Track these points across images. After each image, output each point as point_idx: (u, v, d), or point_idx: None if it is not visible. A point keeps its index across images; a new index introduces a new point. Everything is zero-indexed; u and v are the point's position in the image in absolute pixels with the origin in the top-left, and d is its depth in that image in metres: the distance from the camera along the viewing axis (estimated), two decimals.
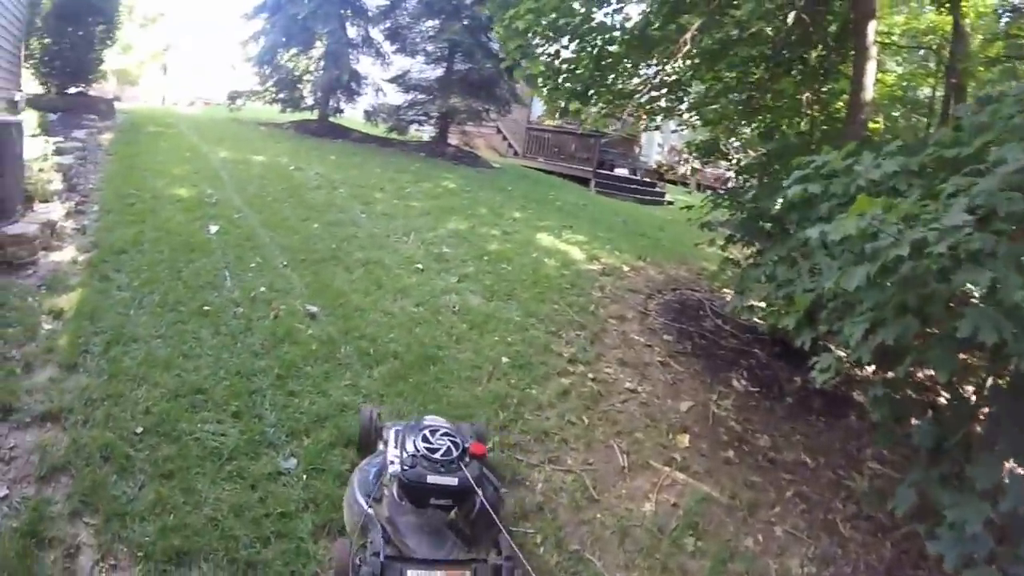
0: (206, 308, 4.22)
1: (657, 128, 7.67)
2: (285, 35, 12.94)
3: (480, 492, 1.84)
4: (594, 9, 4.82)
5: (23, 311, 3.72)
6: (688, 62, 4.94)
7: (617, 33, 4.82)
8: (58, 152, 7.03)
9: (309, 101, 14.22)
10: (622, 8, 4.99)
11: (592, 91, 5.39)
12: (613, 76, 5.27)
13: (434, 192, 9.13)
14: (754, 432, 4.01)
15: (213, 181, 7.53)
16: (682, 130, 6.94)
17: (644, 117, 6.36)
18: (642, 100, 5.66)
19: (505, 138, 17.40)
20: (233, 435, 2.91)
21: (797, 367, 4.46)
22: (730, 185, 5.36)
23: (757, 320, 5.17)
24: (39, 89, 10.33)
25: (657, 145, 19.09)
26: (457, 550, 1.88)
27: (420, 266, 5.71)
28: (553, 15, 4.53)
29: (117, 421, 2.89)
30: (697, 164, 7.57)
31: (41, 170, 6.02)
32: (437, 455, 1.90)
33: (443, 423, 2.09)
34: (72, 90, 10.69)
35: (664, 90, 5.74)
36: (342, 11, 13.18)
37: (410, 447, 1.92)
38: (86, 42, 10.32)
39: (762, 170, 4.82)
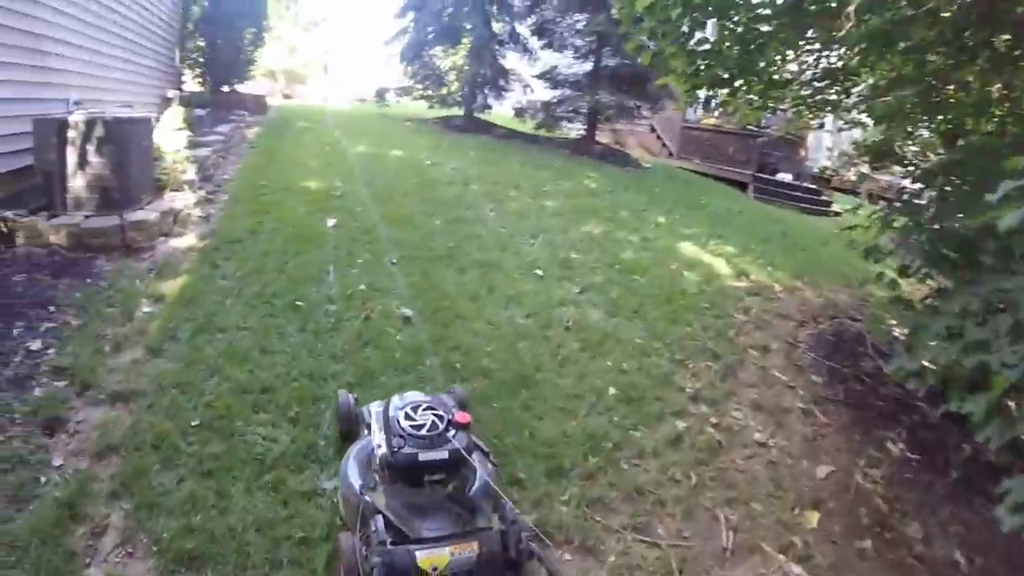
0: (299, 303, 4.49)
1: (822, 127, 6.91)
2: (431, 32, 13.97)
3: (474, 461, 2.06)
4: None
5: (128, 293, 4.25)
6: (855, 48, 4.27)
7: (766, 11, 4.32)
8: (195, 145, 8.26)
9: (456, 96, 15.22)
10: None
11: (740, 79, 4.91)
12: (764, 62, 4.74)
13: (573, 191, 9.11)
14: (903, 515, 3.35)
15: (345, 174, 8.23)
16: (849, 129, 6.13)
17: (806, 112, 5.74)
18: (802, 92, 5.10)
19: (659, 137, 17.45)
20: (283, 442, 2.98)
21: (971, 430, 3.58)
22: (906, 196, 4.47)
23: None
24: (196, 87, 12.33)
25: (826, 148, 17.65)
26: (461, 522, 2.05)
27: (540, 272, 5.64)
28: None
29: (179, 410, 3.14)
30: (866, 169, 6.60)
31: (176, 162, 7.10)
32: (423, 431, 2.05)
33: (422, 397, 2.21)
34: (225, 88, 12.61)
35: (827, 80, 5.11)
36: (487, 7, 13.85)
37: (395, 427, 2.08)
38: (235, 45, 12.01)
39: (944, 178, 3.95)
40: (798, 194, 14.20)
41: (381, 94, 14.70)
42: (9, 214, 4.74)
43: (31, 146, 5.27)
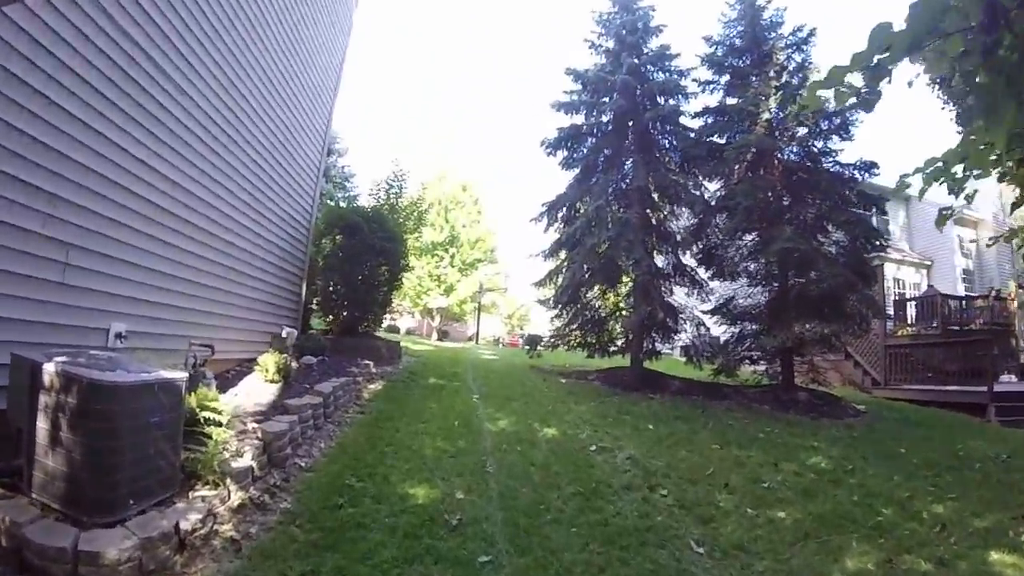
0: None
1: None
2: (587, 271, 11.96)
3: None
4: None
5: None
6: None
7: None
8: (275, 410, 6.09)
9: (619, 342, 13.04)
10: None
11: None
12: None
13: (802, 482, 6.00)
14: None
15: (473, 475, 5.45)
16: None
17: None
18: None
19: (857, 364, 14.95)
20: None
21: None
22: None
23: None
24: (323, 326, 10.85)
25: None
26: None
27: None
28: None
29: None
30: None
31: (225, 441, 4.81)
32: None
33: None
34: (359, 329, 11.04)
35: None
36: (645, 238, 11.92)
37: None
38: (369, 283, 10.61)
39: None
40: None
41: (533, 343, 12.65)
42: None
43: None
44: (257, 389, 6.93)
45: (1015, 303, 16.99)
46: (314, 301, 10.96)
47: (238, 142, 7.37)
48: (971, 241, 22.98)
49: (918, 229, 23.21)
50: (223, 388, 6.74)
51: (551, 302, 12.27)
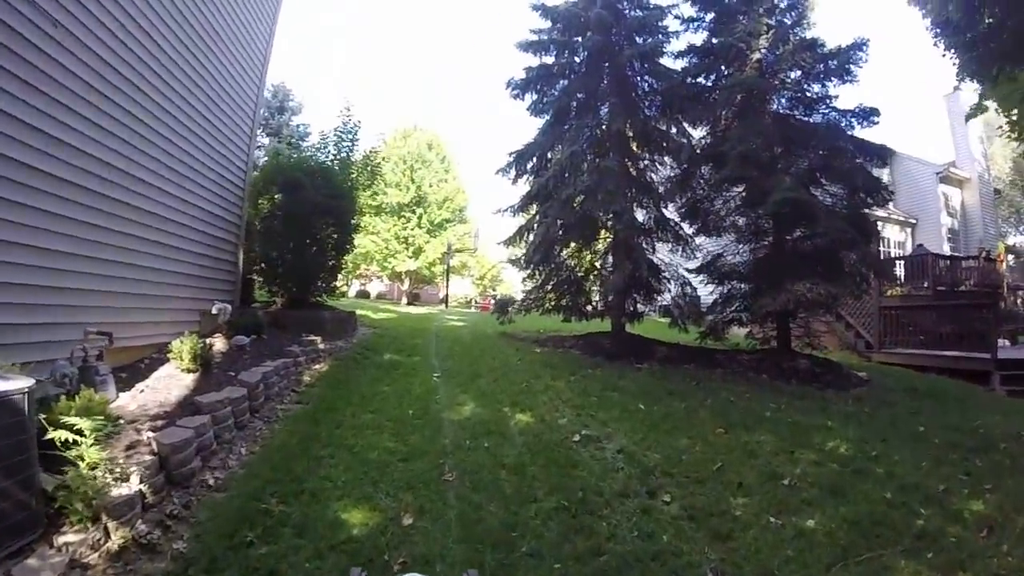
0: None
1: None
2: (560, 226, 10.82)
3: None
4: None
5: None
6: None
7: None
8: (182, 409, 4.88)
9: (597, 304, 12.01)
10: None
11: None
12: None
13: (825, 474, 5.08)
14: None
15: (427, 488, 4.30)
16: None
17: None
18: None
19: (850, 326, 14.29)
20: None
21: None
22: None
23: None
24: (270, 298, 9.56)
25: None
26: None
27: None
28: None
29: None
30: None
31: (97, 465, 3.60)
32: None
33: None
34: (308, 300, 9.76)
35: None
36: (626, 189, 10.73)
37: None
38: (315, 247, 9.38)
39: None
40: None
41: (503, 308, 11.46)
42: None
43: None
44: (168, 382, 5.70)
45: (1003, 265, 16.39)
46: (253, 270, 9.63)
47: (142, 87, 6.00)
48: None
49: (903, 186, 22.44)
50: (130, 383, 5.52)
51: (522, 262, 11.07)
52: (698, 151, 10.99)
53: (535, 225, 11.28)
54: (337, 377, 7.18)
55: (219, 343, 7.52)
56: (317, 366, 7.67)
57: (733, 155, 9.34)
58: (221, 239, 8.58)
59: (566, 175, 10.10)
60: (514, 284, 44.70)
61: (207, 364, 6.09)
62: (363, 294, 47.82)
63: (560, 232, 10.67)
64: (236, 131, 8.72)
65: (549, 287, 11.49)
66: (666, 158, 11.91)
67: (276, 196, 9.12)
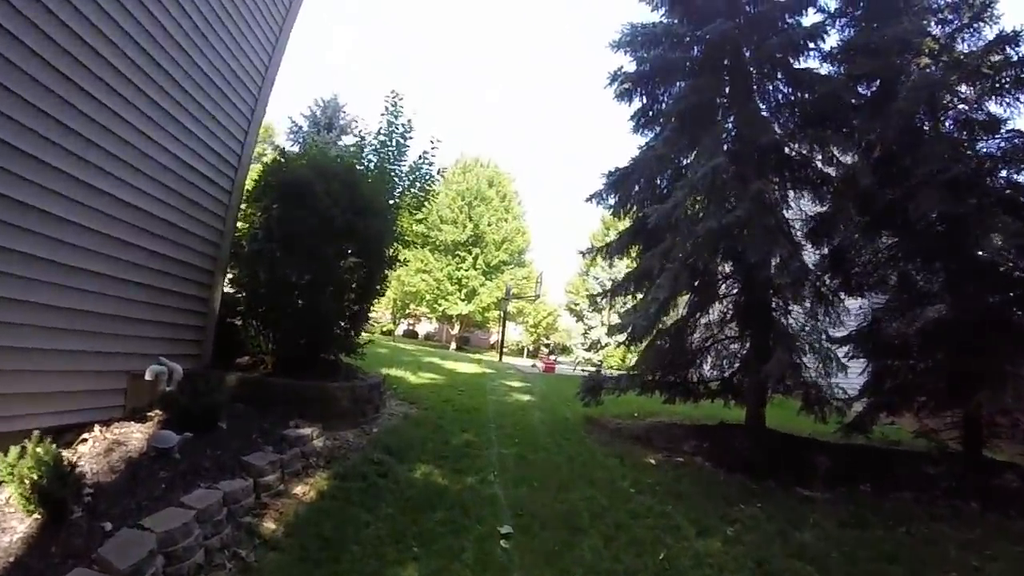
0: None
1: None
2: (668, 282, 7.47)
3: None
4: None
5: None
6: None
7: None
8: None
9: (712, 385, 8.55)
10: None
11: None
12: None
13: None
14: None
15: None
16: None
17: None
18: None
19: None
20: None
21: None
22: None
23: None
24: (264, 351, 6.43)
25: None
26: None
27: None
28: None
29: None
30: None
31: None
32: None
33: None
34: (315, 358, 6.56)
35: None
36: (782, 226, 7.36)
37: None
38: (328, 284, 6.24)
39: None
40: None
41: (594, 389, 8.05)
42: None
43: None
44: None
45: None
46: (238, 311, 6.56)
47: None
48: None
49: None
50: None
51: (629, 328, 7.62)
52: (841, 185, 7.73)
53: (647, 275, 7.88)
54: (323, 529, 3.87)
55: (135, 437, 4.43)
56: (298, 490, 4.43)
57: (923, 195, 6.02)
58: (185, 264, 5.58)
59: (706, 201, 6.77)
60: (572, 335, 41.06)
61: (59, 505, 2.97)
62: (411, 334, 45.01)
63: (694, 282, 7.27)
64: (224, 113, 5.82)
65: (661, 363, 8.02)
66: (804, 191, 8.59)
67: (274, 208, 6.05)
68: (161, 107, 4.92)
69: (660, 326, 8.26)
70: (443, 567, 3.57)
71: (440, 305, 33.75)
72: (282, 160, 6.68)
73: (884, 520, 5.15)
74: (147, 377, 4.98)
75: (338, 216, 5.82)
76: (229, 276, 6.61)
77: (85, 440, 4.28)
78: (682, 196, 6.81)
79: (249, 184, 6.73)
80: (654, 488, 5.57)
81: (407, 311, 40.00)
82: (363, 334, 7.61)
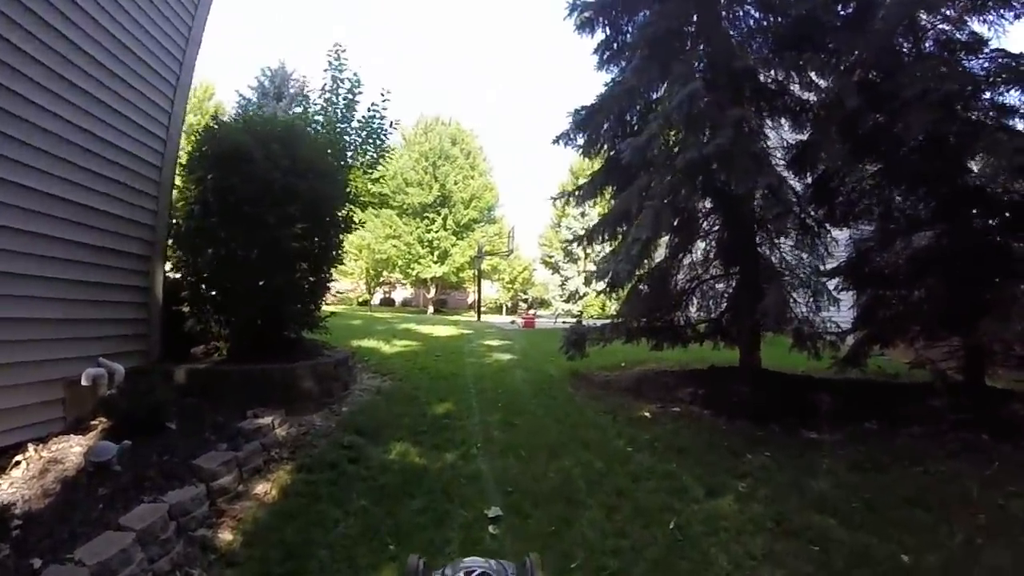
0: None
1: None
2: (679, 210, 6.97)
3: None
4: None
5: None
6: None
7: None
8: None
9: (698, 327, 8.25)
10: None
11: None
12: None
13: None
14: None
15: None
16: None
17: None
18: None
19: None
20: None
21: None
22: None
23: None
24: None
25: None
26: None
27: None
28: None
29: None
30: None
31: None
32: None
33: (481, 563, 1.43)
34: (276, 338, 5.99)
35: None
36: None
37: None
38: (275, 256, 5.61)
39: None
40: None
41: (578, 343, 7.58)
42: None
43: None
44: None
45: None
46: (183, 297, 5.92)
47: None
48: None
49: None
50: None
51: (610, 274, 7.12)
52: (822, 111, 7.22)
53: (623, 215, 7.35)
54: (286, 534, 3.38)
55: (73, 453, 3.91)
56: (260, 489, 3.92)
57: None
58: (119, 253, 4.96)
59: (676, 135, 6.23)
60: (549, 288, 40.67)
61: None
62: (388, 302, 44.27)
63: (675, 220, 6.79)
64: (144, 82, 5.11)
65: (646, 306, 7.60)
66: (782, 119, 8.09)
67: (209, 177, 5.38)
68: (68, 80, 4.21)
69: (642, 270, 7.82)
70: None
71: (413, 269, 33.07)
72: (215, 126, 5.95)
73: (899, 460, 4.81)
74: (83, 383, 4.40)
75: (278, 179, 5.17)
76: (172, 261, 5.98)
77: (19, 463, 3.72)
78: (656, 128, 6.26)
79: (185, 159, 6.04)
80: (653, 445, 5.17)
81: (380, 279, 39.21)
82: (323, 307, 7.03)
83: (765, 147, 7.51)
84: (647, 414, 6.15)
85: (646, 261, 7.72)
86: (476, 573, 1.68)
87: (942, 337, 7.25)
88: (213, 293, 5.75)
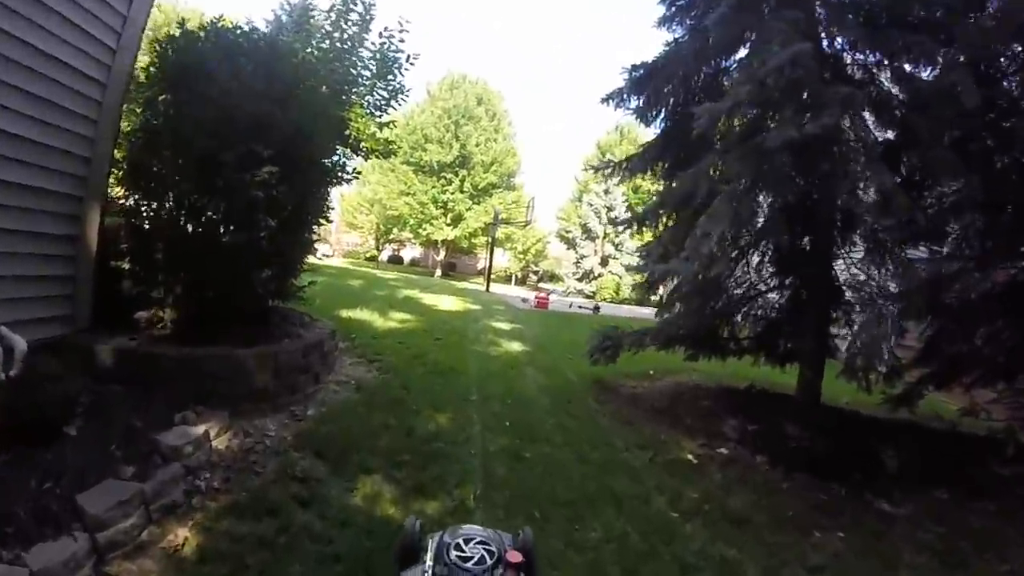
0: None
1: None
2: (726, 210, 5.58)
3: None
4: None
5: None
6: None
7: None
8: None
9: (744, 343, 7.05)
10: None
11: None
12: None
13: None
14: None
15: None
16: None
17: None
18: None
19: None
20: None
21: None
22: None
23: None
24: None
25: None
26: None
27: None
28: None
29: None
30: None
31: None
32: (469, 563, 1.70)
33: (479, 531, 1.79)
34: (233, 310, 4.73)
35: None
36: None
37: (442, 556, 1.74)
38: (234, 200, 4.29)
39: None
40: None
41: (611, 348, 6.33)
42: None
43: None
44: None
45: None
46: (124, 251, 4.66)
47: None
48: None
49: None
50: None
51: (667, 274, 5.74)
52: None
53: (678, 198, 5.99)
54: None
55: None
56: (172, 538, 2.73)
57: None
58: (39, 191, 3.69)
59: (783, 99, 4.84)
60: (562, 263, 39.25)
61: None
62: (396, 259, 43.11)
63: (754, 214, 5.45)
64: None
65: (691, 314, 6.31)
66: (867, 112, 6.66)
67: (160, 99, 4.06)
68: None
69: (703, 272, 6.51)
70: None
71: (424, 230, 31.81)
72: (176, 34, 4.57)
73: (980, 550, 3.84)
74: None
75: (243, 105, 3.85)
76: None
77: None
78: (745, 93, 4.86)
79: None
80: (702, 508, 3.95)
81: (390, 236, 37.91)
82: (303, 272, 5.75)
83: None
84: (691, 457, 4.91)
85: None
86: (475, 540, 1.72)
87: (1008, 382, 6.10)
88: (153, 249, 4.47)
